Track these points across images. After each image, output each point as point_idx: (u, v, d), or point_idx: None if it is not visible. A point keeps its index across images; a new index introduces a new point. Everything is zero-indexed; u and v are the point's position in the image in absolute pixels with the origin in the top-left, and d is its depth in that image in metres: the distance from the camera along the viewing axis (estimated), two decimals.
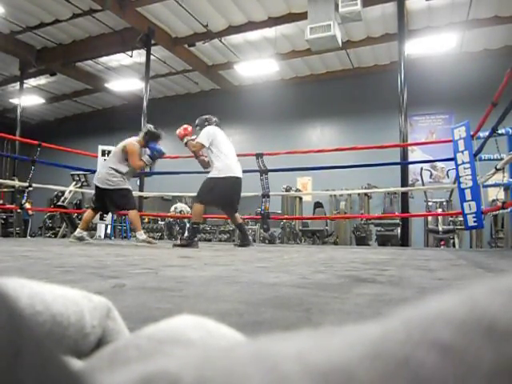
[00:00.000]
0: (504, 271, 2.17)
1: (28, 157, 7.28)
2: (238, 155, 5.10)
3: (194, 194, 4.96)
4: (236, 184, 4.84)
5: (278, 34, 10.65)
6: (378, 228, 9.40)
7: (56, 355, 0.17)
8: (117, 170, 4.87)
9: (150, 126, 5.19)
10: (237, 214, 5.04)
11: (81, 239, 4.94)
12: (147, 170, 7.03)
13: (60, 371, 0.16)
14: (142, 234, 4.88)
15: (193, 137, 4.99)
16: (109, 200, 4.92)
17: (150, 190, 9.82)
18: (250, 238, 5.22)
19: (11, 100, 15.27)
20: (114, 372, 0.21)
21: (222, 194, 4.74)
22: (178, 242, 4.99)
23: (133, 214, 4.96)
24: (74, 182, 8.95)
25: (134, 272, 1.70)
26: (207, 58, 12.44)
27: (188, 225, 10.28)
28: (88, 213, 5.15)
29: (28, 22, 10.75)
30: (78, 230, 5.08)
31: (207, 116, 5.12)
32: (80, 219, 10.00)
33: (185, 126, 5.06)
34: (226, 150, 4.84)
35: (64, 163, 8.81)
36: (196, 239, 4.81)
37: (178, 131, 5.04)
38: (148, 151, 5.05)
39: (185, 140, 4.97)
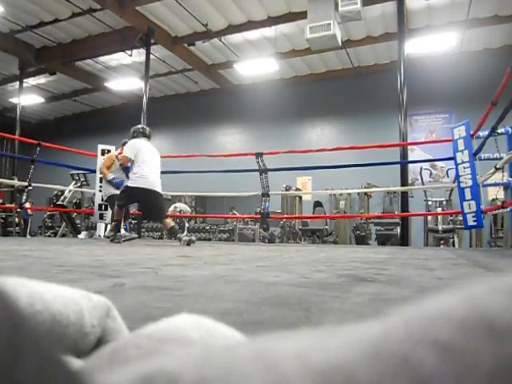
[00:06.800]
0: (504, 270, 2.17)
1: (28, 156, 7.27)
2: (237, 154, 5.10)
3: (194, 193, 4.99)
4: (148, 196, 5.04)
5: (278, 34, 10.64)
6: (378, 227, 9.40)
7: (55, 354, 0.17)
8: None
9: None
10: (168, 220, 5.38)
11: None
12: None
13: (59, 371, 0.16)
14: None
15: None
16: None
17: None
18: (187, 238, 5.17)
19: (11, 99, 15.25)
20: (114, 371, 0.21)
21: (136, 202, 5.45)
22: (107, 234, 5.36)
23: None
24: (74, 182, 8.96)
25: (133, 271, 1.70)
26: (207, 57, 12.42)
27: (187, 224, 10.29)
28: None
29: (28, 21, 10.74)
30: None
31: (133, 128, 5.41)
32: (80, 219, 10.02)
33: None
34: (145, 162, 5.11)
35: (63, 162, 8.81)
36: (119, 234, 5.10)
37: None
38: None
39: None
